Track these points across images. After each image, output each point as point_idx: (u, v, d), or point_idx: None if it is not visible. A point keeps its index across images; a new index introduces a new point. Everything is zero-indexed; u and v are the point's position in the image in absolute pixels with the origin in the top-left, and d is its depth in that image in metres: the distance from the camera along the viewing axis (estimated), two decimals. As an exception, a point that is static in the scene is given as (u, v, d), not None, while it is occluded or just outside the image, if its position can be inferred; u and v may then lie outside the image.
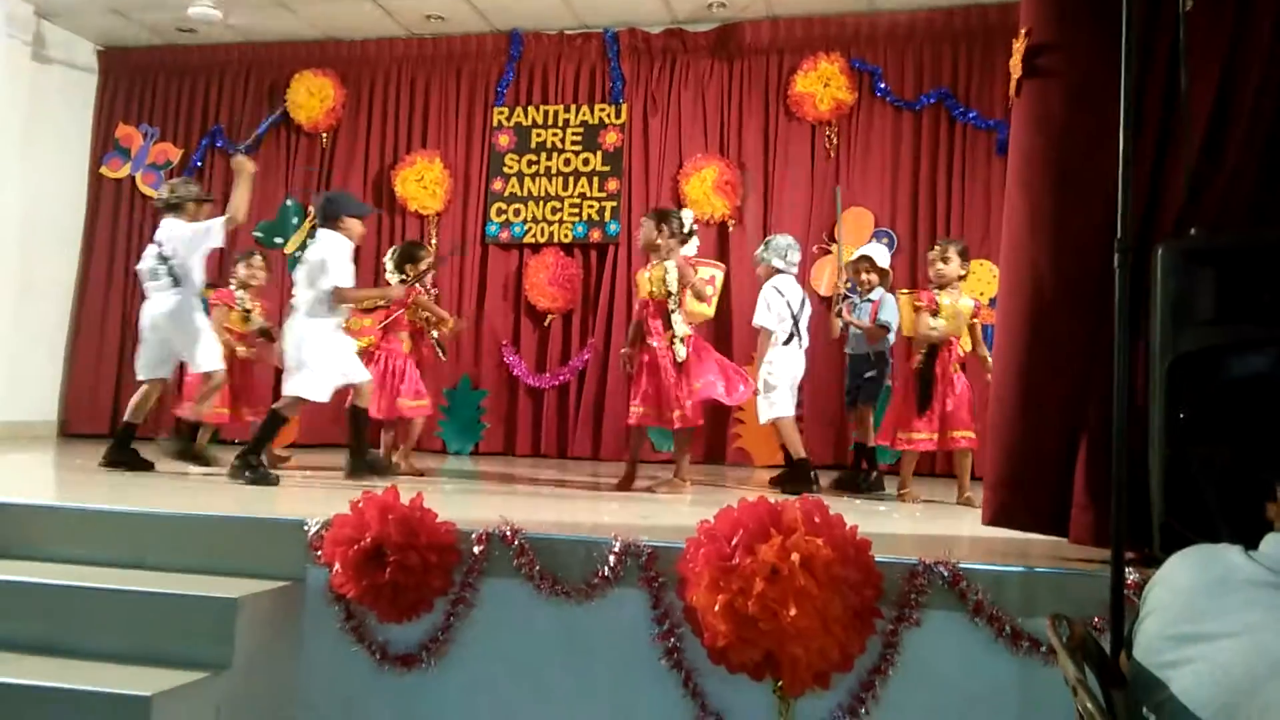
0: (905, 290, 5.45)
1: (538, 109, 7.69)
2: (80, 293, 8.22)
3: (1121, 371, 2.07)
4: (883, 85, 7.06)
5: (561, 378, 7.40)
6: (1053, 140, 2.94)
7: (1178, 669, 1.59)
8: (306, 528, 3.05)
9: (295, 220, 7.98)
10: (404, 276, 5.65)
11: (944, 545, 2.86)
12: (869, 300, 5.47)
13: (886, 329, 5.31)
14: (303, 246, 7.90)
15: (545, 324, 7.49)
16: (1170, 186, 2.76)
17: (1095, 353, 2.81)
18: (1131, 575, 2.43)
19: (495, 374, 7.55)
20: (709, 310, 5.13)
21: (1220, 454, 2.59)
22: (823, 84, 7.01)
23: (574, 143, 7.60)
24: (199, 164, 8.17)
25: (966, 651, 2.62)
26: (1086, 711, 1.58)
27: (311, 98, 7.90)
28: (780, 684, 2.63)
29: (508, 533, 2.92)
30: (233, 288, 6.04)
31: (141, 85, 8.34)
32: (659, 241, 4.97)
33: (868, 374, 5.41)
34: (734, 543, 2.62)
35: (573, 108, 7.64)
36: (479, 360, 7.56)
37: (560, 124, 7.64)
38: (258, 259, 6.18)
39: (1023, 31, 3.03)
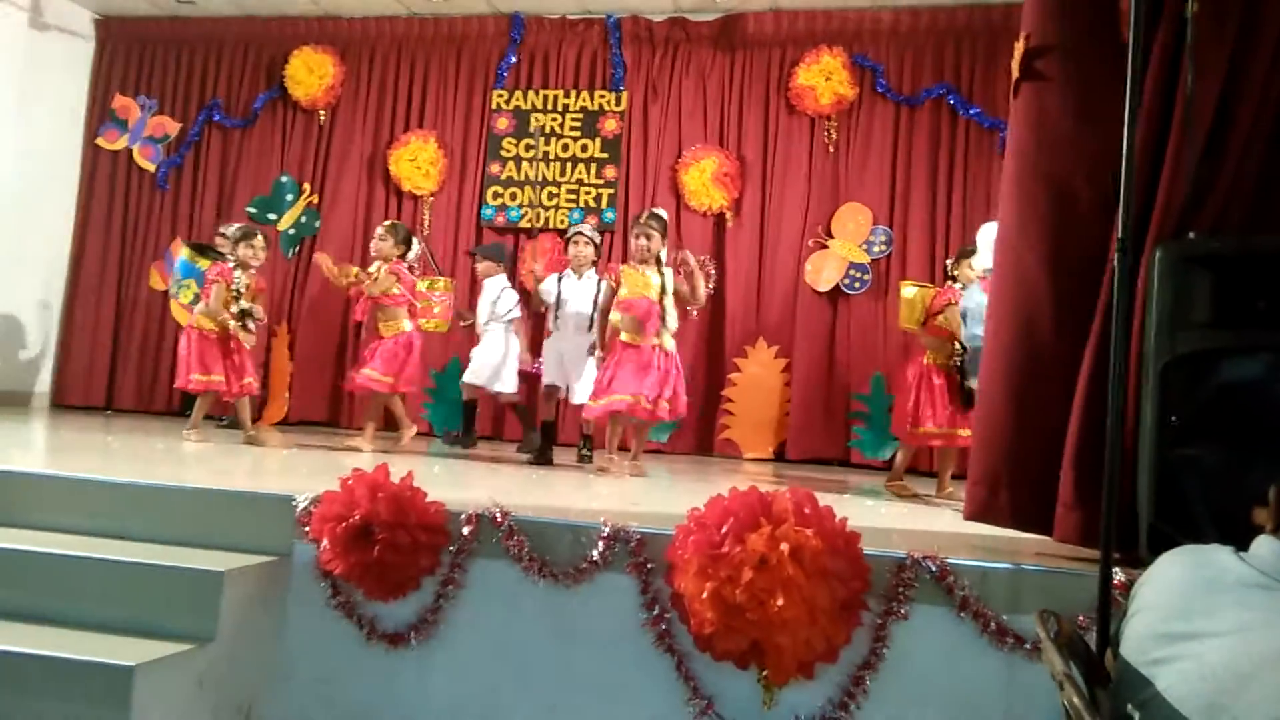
0: (915, 282, 5.42)
1: (537, 93, 7.66)
2: (75, 265, 8.16)
3: (1116, 371, 2.07)
4: (884, 82, 7.05)
5: (553, 364, 7.37)
6: (1046, 142, 2.97)
7: (1164, 666, 1.59)
8: (294, 503, 3.04)
9: (290, 197, 7.94)
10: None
11: (932, 540, 2.87)
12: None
13: None
14: (296, 224, 7.90)
15: (539, 309, 7.46)
16: (1167, 189, 2.77)
17: (1082, 354, 2.82)
18: (1118, 575, 2.44)
19: (486, 358, 7.51)
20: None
21: (1209, 458, 2.61)
22: (824, 77, 7.00)
23: (573, 128, 7.57)
24: (196, 138, 8.11)
25: (952, 646, 2.63)
26: (1072, 706, 1.58)
27: (310, 74, 7.84)
28: (765, 672, 2.64)
29: (497, 515, 2.91)
30: (231, 265, 5.80)
31: (139, 56, 8.27)
32: (660, 250, 5.20)
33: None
34: (724, 531, 2.62)
35: (573, 93, 7.61)
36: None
37: (560, 109, 7.61)
38: (259, 239, 5.87)
39: (1023, 34, 3.04)
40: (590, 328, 5.57)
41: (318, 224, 7.85)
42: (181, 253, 6.29)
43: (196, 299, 5.94)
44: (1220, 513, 2.53)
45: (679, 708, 2.76)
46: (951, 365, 4.92)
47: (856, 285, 6.87)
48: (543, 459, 5.58)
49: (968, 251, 5.14)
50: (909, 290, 5.09)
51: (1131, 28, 2.14)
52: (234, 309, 5.71)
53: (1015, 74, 3.03)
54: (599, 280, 5.64)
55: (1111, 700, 1.70)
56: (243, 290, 5.78)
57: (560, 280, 5.85)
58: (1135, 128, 2.12)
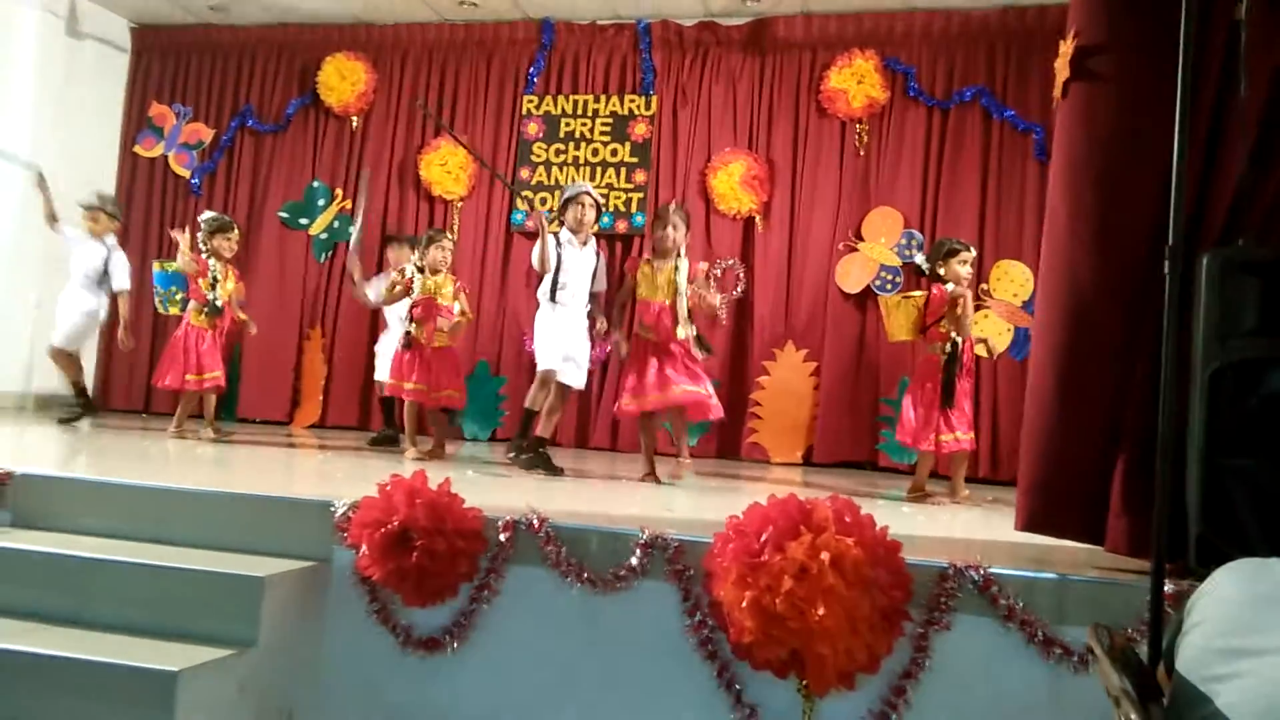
0: (900, 294, 5.38)
1: (567, 98, 7.67)
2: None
3: (1169, 379, 2.04)
4: (916, 85, 7.00)
5: (585, 367, 7.38)
6: (1099, 143, 2.91)
7: (1225, 683, 1.56)
8: (333, 509, 3.05)
9: (322, 202, 8.00)
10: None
11: (972, 549, 2.83)
12: None
13: None
14: (328, 229, 7.95)
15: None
16: (1217, 194, 2.73)
17: (1134, 360, 2.78)
18: (1168, 587, 2.40)
19: (515, 361, 7.54)
20: None
21: (1258, 467, 2.56)
22: (856, 81, 6.96)
23: (603, 133, 7.57)
24: (229, 144, 8.19)
25: (996, 657, 2.60)
26: (1130, 723, 1.56)
27: (343, 81, 7.90)
28: (805, 683, 2.62)
29: (534, 521, 2.91)
30: (204, 255, 6.06)
31: (174, 64, 8.36)
32: (683, 243, 5.11)
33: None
34: (763, 539, 2.60)
35: (602, 98, 7.61)
36: (500, 347, 7.57)
37: (589, 114, 7.62)
38: (235, 232, 6.22)
39: (1071, 32, 2.99)
40: (589, 303, 5.25)
41: (350, 229, 7.89)
42: (154, 268, 6.45)
43: (186, 302, 6.10)
44: (1269, 523, 2.49)
45: (721, 716, 2.74)
46: (945, 362, 4.86)
47: (888, 286, 6.81)
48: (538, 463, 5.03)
49: (953, 249, 5.03)
50: (896, 300, 4.98)
51: (1183, 32, 2.11)
52: (210, 296, 5.88)
53: (1065, 73, 2.98)
54: (598, 253, 5.35)
55: (1167, 717, 1.66)
56: (219, 278, 5.92)
57: (561, 246, 5.13)
58: (1185, 133, 2.08)
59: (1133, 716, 1.52)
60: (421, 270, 5.66)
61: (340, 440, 6.65)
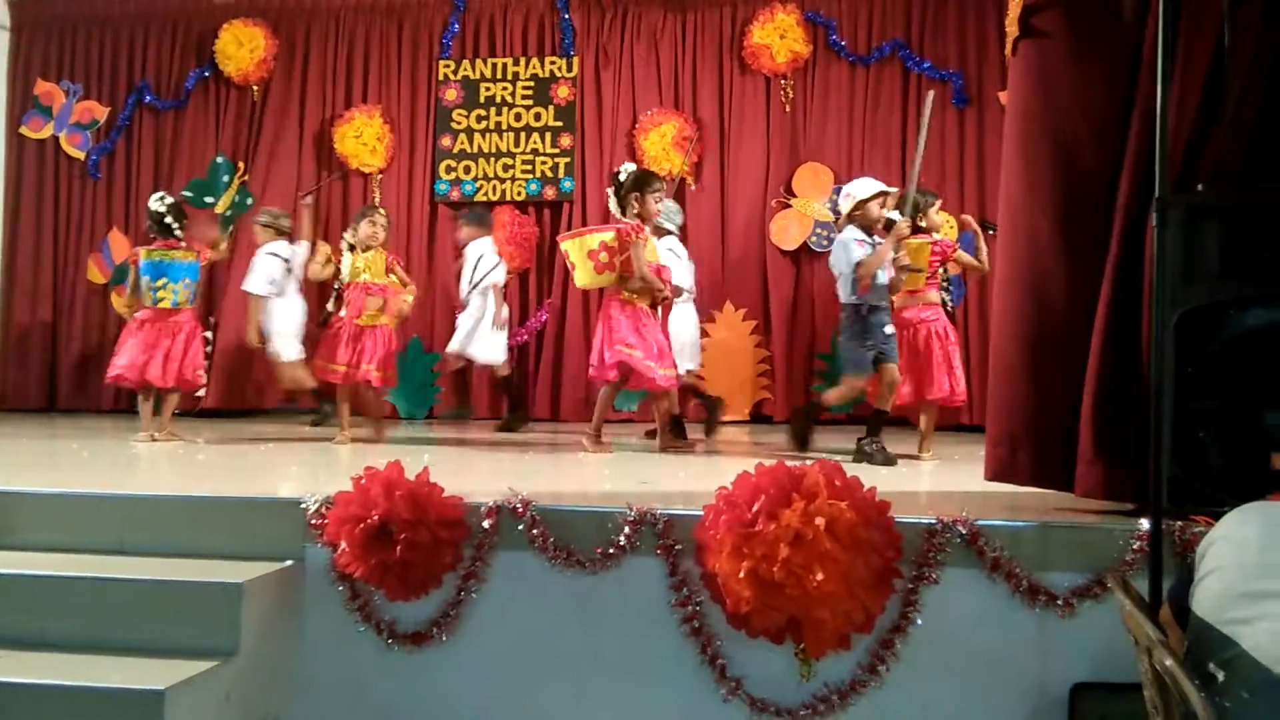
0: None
1: (485, 62, 7.48)
2: (8, 261, 7.80)
3: (1157, 329, 2.09)
4: (835, 38, 7.02)
5: (519, 338, 7.28)
6: (1051, 101, 2.96)
7: (1249, 626, 1.62)
8: (303, 505, 2.94)
9: (226, 178, 7.65)
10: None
11: (958, 503, 2.88)
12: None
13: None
14: (232, 205, 7.60)
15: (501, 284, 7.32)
16: (1170, 141, 2.79)
17: (1094, 310, 2.84)
18: (1145, 527, 2.48)
19: (448, 336, 7.37)
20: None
21: (1225, 407, 2.66)
22: (779, 35, 6.95)
23: (525, 97, 7.41)
24: (126, 122, 7.76)
25: (984, 607, 2.66)
26: (1165, 669, 1.60)
27: (241, 48, 7.54)
28: (802, 646, 2.64)
29: (518, 506, 2.85)
30: None
31: (59, 39, 7.86)
32: None
33: (889, 329, 4.71)
34: (755, 509, 2.60)
35: (522, 60, 7.44)
36: (431, 323, 7.39)
37: (510, 77, 7.44)
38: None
39: None
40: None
41: (250, 203, 7.56)
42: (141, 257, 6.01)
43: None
44: (1237, 461, 2.59)
45: (710, 689, 2.75)
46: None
47: (825, 243, 6.86)
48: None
49: (929, 200, 5.02)
50: (917, 246, 4.80)
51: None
52: None
53: (1013, 31, 3.01)
54: None
55: (1190, 660, 1.72)
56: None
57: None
58: (1167, 83, 2.11)
59: (1168, 663, 1.57)
60: (353, 248, 5.44)
61: (265, 428, 6.41)
